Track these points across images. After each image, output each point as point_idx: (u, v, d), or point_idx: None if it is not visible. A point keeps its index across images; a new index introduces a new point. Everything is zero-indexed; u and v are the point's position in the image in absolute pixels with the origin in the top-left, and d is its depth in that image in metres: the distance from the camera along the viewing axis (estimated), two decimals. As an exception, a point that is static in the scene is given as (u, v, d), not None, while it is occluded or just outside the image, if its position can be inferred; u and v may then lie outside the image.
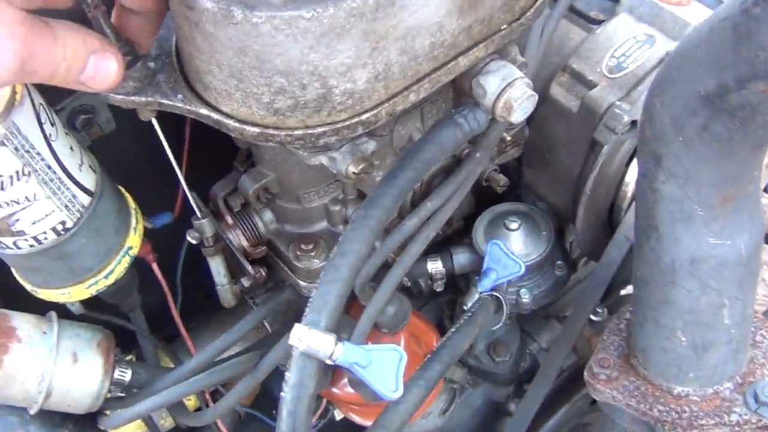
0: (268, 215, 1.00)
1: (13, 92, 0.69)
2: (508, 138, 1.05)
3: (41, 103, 0.74)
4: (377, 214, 0.78)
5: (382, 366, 0.72)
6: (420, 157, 0.81)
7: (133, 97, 0.76)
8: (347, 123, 0.73)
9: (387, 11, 0.68)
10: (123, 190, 0.92)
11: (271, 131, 0.73)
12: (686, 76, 0.65)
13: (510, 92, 0.80)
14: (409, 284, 1.16)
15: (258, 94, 0.71)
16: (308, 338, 0.70)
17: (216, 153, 0.99)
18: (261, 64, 0.68)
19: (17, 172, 0.71)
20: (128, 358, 1.05)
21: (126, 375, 0.97)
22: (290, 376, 0.70)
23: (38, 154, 0.73)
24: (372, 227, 0.77)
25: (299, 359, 0.71)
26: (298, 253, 0.97)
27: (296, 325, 0.71)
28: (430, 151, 0.81)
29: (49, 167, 0.75)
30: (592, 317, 1.09)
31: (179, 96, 0.76)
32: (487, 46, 0.80)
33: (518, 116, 0.81)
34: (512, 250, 1.08)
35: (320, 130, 0.73)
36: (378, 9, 0.67)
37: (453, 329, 0.97)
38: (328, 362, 0.71)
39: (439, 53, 0.76)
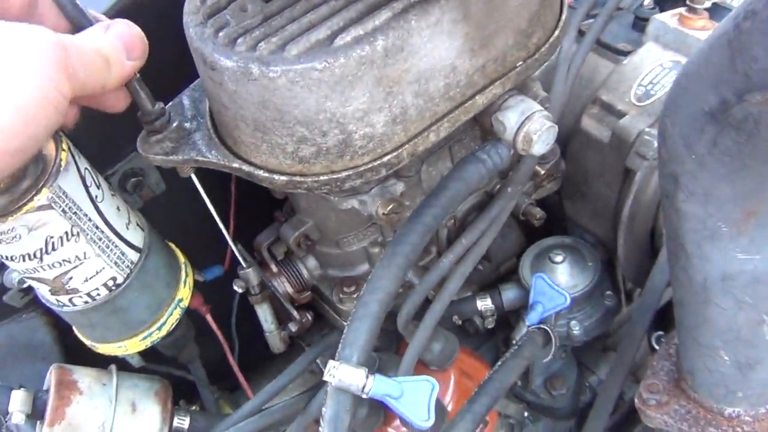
0: (311, 262, 1.03)
1: (59, 158, 0.75)
2: (543, 172, 1.06)
3: (86, 168, 0.79)
4: (404, 251, 0.80)
5: (415, 397, 0.74)
6: (445, 194, 0.83)
7: (171, 156, 0.80)
8: (370, 166, 0.76)
9: (397, 57, 0.71)
10: (172, 245, 0.97)
11: (298, 179, 0.77)
12: (691, 94, 0.66)
13: (529, 125, 0.82)
14: (460, 323, 1.18)
15: (282, 144, 0.74)
16: (341, 373, 0.73)
17: (262, 205, 1.03)
18: (282, 115, 0.72)
19: (66, 233, 0.76)
20: (192, 408, 1.09)
21: (184, 422, 1.00)
22: (326, 411, 0.73)
23: (85, 215, 0.78)
24: (399, 264, 0.80)
25: (334, 394, 0.73)
26: (341, 296, 1.00)
27: (329, 361, 0.74)
28: (455, 188, 0.83)
29: (97, 227, 0.80)
30: (655, 345, 1.08)
31: (213, 152, 0.80)
32: (503, 83, 0.81)
33: (539, 148, 0.82)
34: (558, 283, 1.08)
35: (344, 174, 0.76)
36: (388, 56, 0.70)
37: (499, 363, 0.98)
38: (362, 396, 0.73)
39: (455, 93, 0.78)
